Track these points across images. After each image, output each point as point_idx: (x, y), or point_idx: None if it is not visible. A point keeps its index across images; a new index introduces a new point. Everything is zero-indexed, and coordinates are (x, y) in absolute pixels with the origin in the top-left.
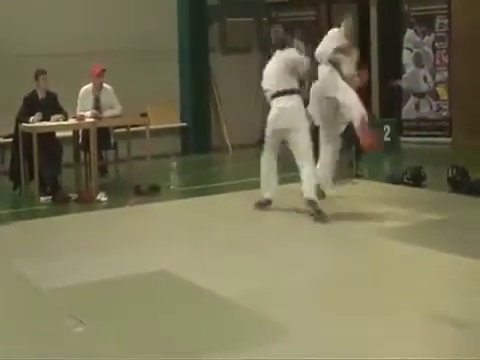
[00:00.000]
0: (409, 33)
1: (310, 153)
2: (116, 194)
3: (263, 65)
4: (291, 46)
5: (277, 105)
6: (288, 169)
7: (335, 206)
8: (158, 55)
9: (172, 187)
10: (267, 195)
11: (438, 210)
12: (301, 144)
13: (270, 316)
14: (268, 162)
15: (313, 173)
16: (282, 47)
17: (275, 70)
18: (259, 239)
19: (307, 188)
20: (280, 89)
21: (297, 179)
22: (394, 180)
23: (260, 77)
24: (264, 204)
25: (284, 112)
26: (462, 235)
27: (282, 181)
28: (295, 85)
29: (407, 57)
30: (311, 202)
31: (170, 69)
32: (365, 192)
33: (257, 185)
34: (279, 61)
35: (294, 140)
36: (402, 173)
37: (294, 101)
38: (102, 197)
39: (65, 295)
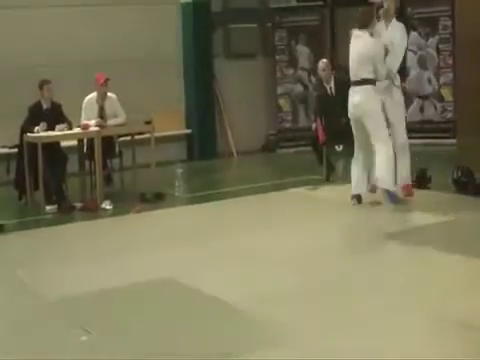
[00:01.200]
0: (413, 35)
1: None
2: (121, 202)
3: (268, 70)
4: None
5: None
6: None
7: (340, 209)
8: (162, 62)
9: (177, 194)
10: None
11: (443, 211)
12: None
13: (275, 321)
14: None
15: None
16: None
17: None
18: (265, 245)
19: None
20: None
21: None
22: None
23: (265, 82)
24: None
25: None
26: (467, 236)
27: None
28: None
29: (411, 59)
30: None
31: (174, 76)
32: (370, 194)
33: (262, 190)
34: None
35: None
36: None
37: None
38: (107, 205)
39: (70, 304)
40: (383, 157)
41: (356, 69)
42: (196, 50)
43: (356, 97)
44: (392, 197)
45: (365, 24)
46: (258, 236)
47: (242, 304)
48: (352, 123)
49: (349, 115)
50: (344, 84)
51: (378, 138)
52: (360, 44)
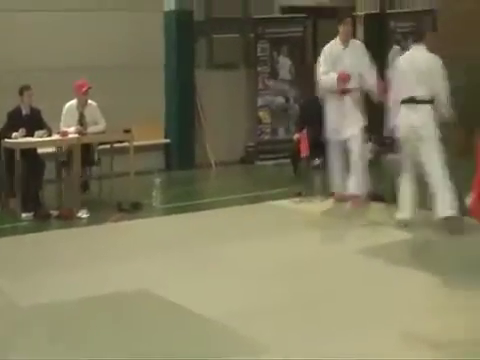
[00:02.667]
0: (395, 49)
1: None
2: (98, 211)
3: (249, 80)
4: None
5: None
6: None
7: (312, 222)
8: (144, 71)
9: (154, 204)
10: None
11: (420, 229)
12: None
13: (251, 334)
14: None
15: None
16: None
17: None
18: (241, 257)
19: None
20: None
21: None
22: (373, 197)
23: (246, 94)
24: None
25: None
26: (437, 255)
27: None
28: None
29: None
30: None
31: (155, 85)
32: (342, 208)
33: (240, 202)
34: None
35: None
36: (382, 190)
37: None
38: (83, 214)
39: (44, 312)
40: None
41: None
42: (178, 59)
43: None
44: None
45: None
46: (235, 248)
47: (216, 316)
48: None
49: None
50: None
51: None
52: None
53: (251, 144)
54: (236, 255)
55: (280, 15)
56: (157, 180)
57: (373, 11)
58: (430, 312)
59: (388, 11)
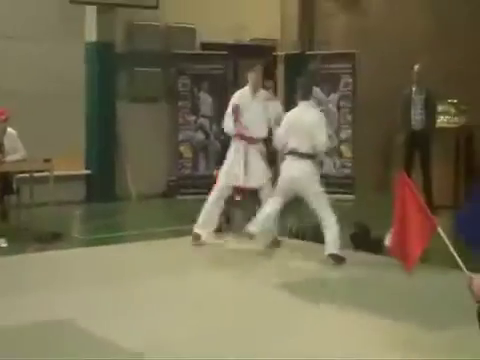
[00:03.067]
0: (315, 91)
1: None
2: (16, 241)
3: (170, 115)
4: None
5: None
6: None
7: (236, 260)
8: (64, 100)
9: (75, 235)
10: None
11: (340, 267)
12: None
13: None
14: None
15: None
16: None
17: None
18: (164, 290)
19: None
20: None
21: None
22: (297, 235)
23: (167, 128)
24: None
25: None
26: (361, 291)
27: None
28: None
29: None
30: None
31: (76, 116)
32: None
33: (161, 236)
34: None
35: None
36: (304, 229)
37: None
38: (2, 243)
39: None
40: None
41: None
42: (99, 90)
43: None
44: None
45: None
46: (158, 281)
47: (142, 349)
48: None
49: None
50: None
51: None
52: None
53: (173, 178)
54: (161, 288)
55: (201, 51)
56: (77, 212)
57: (294, 51)
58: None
59: (308, 52)
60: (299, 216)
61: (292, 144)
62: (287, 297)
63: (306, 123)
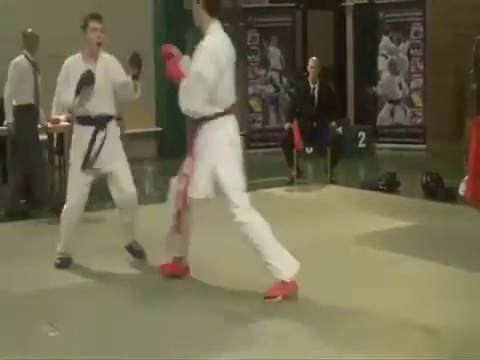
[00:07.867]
0: (384, 40)
1: None
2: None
3: (240, 69)
4: None
5: None
6: None
7: (310, 211)
8: None
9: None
10: None
11: (411, 216)
12: None
13: None
14: None
15: None
16: None
17: None
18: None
19: None
20: None
21: None
22: (369, 186)
23: (237, 81)
24: None
25: None
26: (432, 242)
27: None
28: None
29: (382, 64)
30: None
31: (146, 72)
32: (340, 198)
33: None
34: None
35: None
36: (377, 179)
37: None
38: None
39: None
40: None
41: None
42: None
43: None
44: None
45: None
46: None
47: None
48: None
49: None
50: (328, 89)
51: None
52: None
53: (243, 132)
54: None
55: (269, 4)
56: (149, 168)
57: (363, 1)
58: (424, 298)
59: (377, 1)
60: None
61: None
62: (367, 249)
63: None
